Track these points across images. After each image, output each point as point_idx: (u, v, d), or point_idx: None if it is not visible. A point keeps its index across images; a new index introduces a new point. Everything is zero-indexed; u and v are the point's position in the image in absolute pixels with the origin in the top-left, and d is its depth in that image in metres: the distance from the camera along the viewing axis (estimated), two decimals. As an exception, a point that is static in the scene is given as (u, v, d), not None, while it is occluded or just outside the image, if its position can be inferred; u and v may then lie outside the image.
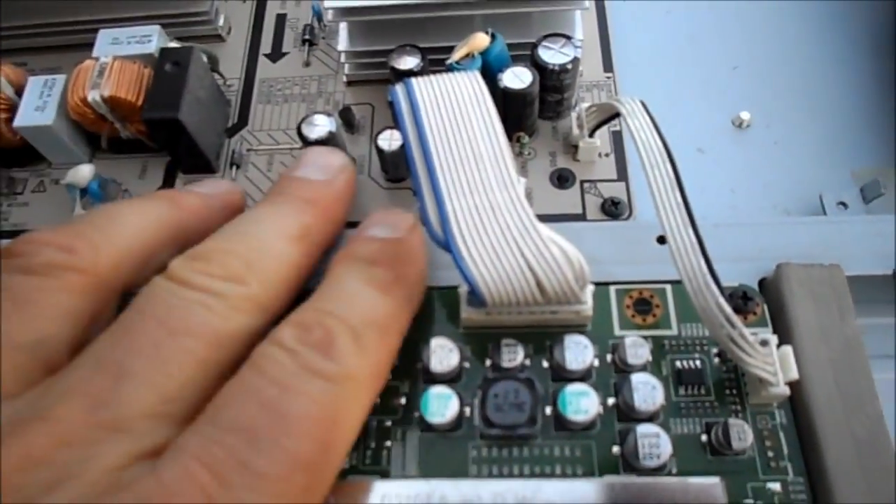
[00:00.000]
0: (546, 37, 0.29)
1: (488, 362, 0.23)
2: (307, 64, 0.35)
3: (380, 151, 0.29)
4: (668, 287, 0.25)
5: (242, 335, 0.18)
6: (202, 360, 0.16)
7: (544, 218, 0.21)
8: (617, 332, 0.24)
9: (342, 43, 0.32)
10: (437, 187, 0.22)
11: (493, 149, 0.23)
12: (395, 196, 0.31)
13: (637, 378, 0.22)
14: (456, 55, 0.29)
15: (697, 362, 0.23)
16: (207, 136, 0.31)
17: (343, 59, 0.33)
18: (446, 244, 0.21)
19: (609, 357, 0.23)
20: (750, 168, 0.32)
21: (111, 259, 0.18)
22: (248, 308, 0.18)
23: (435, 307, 0.25)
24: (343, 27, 0.32)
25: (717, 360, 0.23)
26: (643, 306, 0.24)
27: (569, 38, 0.29)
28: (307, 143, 0.29)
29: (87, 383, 0.15)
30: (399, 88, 0.25)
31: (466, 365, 0.23)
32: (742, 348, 0.20)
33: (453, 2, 0.29)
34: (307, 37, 0.35)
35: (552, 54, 0.29)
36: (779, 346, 0.21)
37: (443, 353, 0.23)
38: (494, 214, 0.21)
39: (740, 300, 0.24)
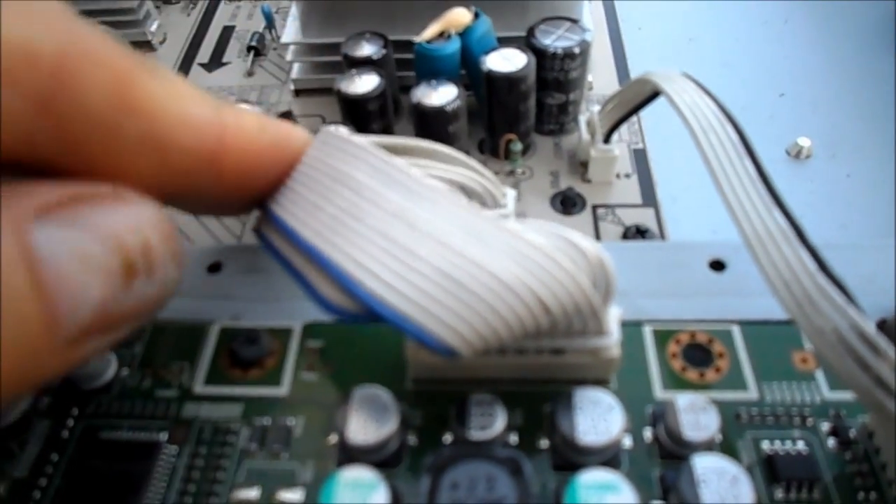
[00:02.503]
0: (545, 20, 0.23)
1: (448, 435, 0.14)
2: (250, 74, 0.28)
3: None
4: (736, 328, 0.16)
5: None
6: None
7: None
8: (658, 393, 0.15)
9: (289, 33, 0.25)
10: (313, 251, 0.13)
11: (375, 166, 0.14)
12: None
13: (703, 464, 0.12)
14: (427, 32, 0.22)
15: (800, 444, 0.14)
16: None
17: (290, 56, 0.26)
18: (368, 306, 0.12)
19: (648, 432, 0.14)
20: (816, 204, 0.24)
21: None
22: None
23: (364, 348, 0.16)
24: (293, 14, 0.25)
25: (832, 441, 0.14)
26: (699, 356, 0.15)
27: (574, 21, 0.22)
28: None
29: None
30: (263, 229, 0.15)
31: (412, 439, 0.14)
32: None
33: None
34: (253, 44, 0.29)
35: (554, 38, 0.22)
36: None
37: (370, 415, 0.14)
38: (418, 233, 0.12)
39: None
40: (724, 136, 0.15)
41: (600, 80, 0.26)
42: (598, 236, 0.21)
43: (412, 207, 0.12)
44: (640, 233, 0.21)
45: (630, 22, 0.32)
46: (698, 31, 0.32)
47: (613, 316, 0.14)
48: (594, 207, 0.22)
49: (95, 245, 0.10)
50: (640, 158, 0.24)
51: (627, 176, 0.23)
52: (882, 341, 0.11)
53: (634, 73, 0.28)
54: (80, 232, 0.10)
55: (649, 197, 0.22)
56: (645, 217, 0.22)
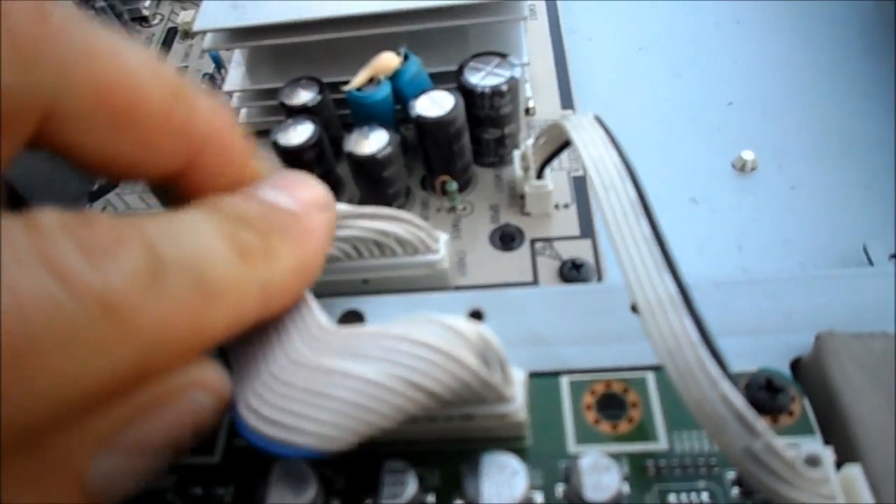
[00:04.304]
0: (475, 56, 0.23)
1: (370, 500, 0.15)
2: (200, 117, 0.29)
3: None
4: (651, 376, 0.16)
5: None
6: None
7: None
8: (571, 447, 0.15)
9: (232, 80, 0.26)
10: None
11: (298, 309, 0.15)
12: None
13: (599, 527, 0.13)
14: (356, 80, 0.22)
15: (704, 496, 0.14)
16: (51, 197, 0.24)
17: (236, 102, 0.26)
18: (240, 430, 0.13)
19: (560, 489, 0.14)
20: (760, 219, 0.24)
21: None
22: None
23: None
24: (236, 60, 0.26)
25: (736, 490, 0.14)
26: (613, 406, 0.16)
27: (504, 56, 0.23)
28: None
29: None
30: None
31: (334, 506, 0.15)
32: (775, 472, 0.11)
33: (366, 15, 0.23)
34: (202, 87, 0.29)
35: (482, 76, 0.22)
36: (838, 464, 0.12)
37: (287, 487, 0.14)
38: (295, 366, 0.13)
39: (764, 393, 0.15)
40: (623, 194, 0.15)
41: (543, 104, 0.27)
42: (535, 273, 0.22)
43: (302, 349, 0.13)
44: (575, 267, 0.21)
45: (580, 33, 0.32)
46: (649, 37, 0.32)
47: (517, 380, 0.14)
48: (532, 241, 0.22)
49: (137, 460, 0.12)
50: (580, 187, 0.24)
51: (566, 206, 0.23)
52: (752, 416, 0.11)
53: (580, 92, 0.28)
54: (127, 457, 0.12)
55: (587, 228, 0.23)
56: (582, 249, 0.22)
